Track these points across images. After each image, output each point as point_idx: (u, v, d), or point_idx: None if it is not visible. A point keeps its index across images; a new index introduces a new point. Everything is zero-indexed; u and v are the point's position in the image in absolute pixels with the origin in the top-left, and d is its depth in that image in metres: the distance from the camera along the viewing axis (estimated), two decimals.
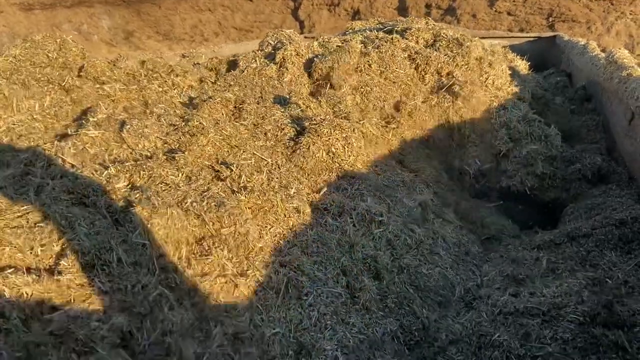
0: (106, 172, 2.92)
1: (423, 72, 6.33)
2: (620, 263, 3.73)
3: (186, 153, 3.49)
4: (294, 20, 16.39)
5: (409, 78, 6.27)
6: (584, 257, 3.93)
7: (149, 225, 2.54)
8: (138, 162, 3.13)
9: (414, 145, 5.45)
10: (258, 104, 4.80)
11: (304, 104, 5.04)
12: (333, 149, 4.27)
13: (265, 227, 3.16)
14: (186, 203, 2.85)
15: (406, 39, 6.90)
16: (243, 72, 6.05)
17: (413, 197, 4.55)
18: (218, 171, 3.49)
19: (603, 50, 8.23)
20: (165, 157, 3.49)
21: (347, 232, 3.36)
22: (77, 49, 5.14)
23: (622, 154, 5.47)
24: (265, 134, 4.32)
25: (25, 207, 2.50)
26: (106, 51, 14.86)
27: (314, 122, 4.37)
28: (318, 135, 4.24)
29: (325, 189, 3.89)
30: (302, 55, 6.30)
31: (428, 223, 4.33)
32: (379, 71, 6.24)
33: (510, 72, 7.32)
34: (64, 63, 4.87)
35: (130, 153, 3.50)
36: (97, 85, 4.77)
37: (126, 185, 2.81)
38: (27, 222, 2.38)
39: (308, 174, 4.14)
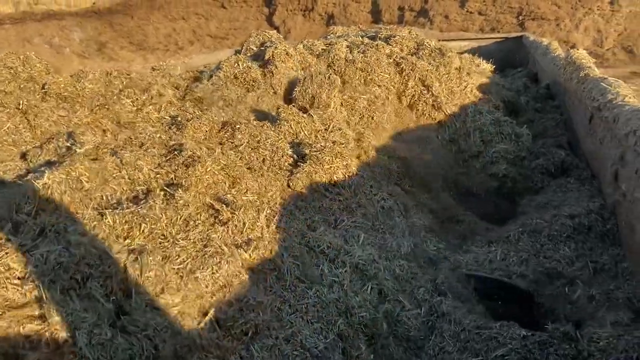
0: (103, 224, 2.49)
1: (407, 77, 6.11)
2: (576, 258, 3.62)
3: (184, 191, 3.07)
4: (269, 27, 15.75)
5: (392, 83, 6.04)
6: (537, 250, 3.82)
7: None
8: (138, 210, 2.70)
9: (407, 164, 5.17)
10: (247, 124, 4.47)
11: (293, 119, 4.62)
12: (335, 177, 3.97)
13: (266, 288, 2.86)
14: (194, 274, 2.51)
15: (390, 45, 6.66)
16: (215, 85, 5.61)
17: (409, 222, 4.30)
18: (218, 210, 3.15)
19: (573, 47, 8.12)
20: (163, 193, 3.05)
21: (344, 286, 3.10)
22: (42, 65, 4.77)
23: (584, 152, 5.23)
24: (263, 160, 3.91)
25: (13, 293, 2.01)
26: (78, 63, 14.13)
27: (315, 149, 4.02)
28: (320, 164, 3.92)
29: (322, 228, 3.56)
30: (291, 55, 6.00)
31: (419, 246, 4.10)
32: (363, 78, 6.00)
33: (485, 78, 7.21)
34: (30, 77, 4.48)
35: (129, 184, 3.10)
36: (60, 102, 4.32)
37: (126, 252, 2.38)
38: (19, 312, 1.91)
39: (308, 203, 3.82)
